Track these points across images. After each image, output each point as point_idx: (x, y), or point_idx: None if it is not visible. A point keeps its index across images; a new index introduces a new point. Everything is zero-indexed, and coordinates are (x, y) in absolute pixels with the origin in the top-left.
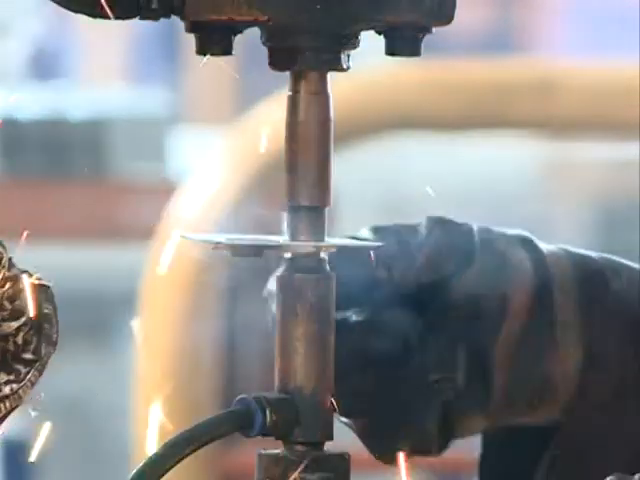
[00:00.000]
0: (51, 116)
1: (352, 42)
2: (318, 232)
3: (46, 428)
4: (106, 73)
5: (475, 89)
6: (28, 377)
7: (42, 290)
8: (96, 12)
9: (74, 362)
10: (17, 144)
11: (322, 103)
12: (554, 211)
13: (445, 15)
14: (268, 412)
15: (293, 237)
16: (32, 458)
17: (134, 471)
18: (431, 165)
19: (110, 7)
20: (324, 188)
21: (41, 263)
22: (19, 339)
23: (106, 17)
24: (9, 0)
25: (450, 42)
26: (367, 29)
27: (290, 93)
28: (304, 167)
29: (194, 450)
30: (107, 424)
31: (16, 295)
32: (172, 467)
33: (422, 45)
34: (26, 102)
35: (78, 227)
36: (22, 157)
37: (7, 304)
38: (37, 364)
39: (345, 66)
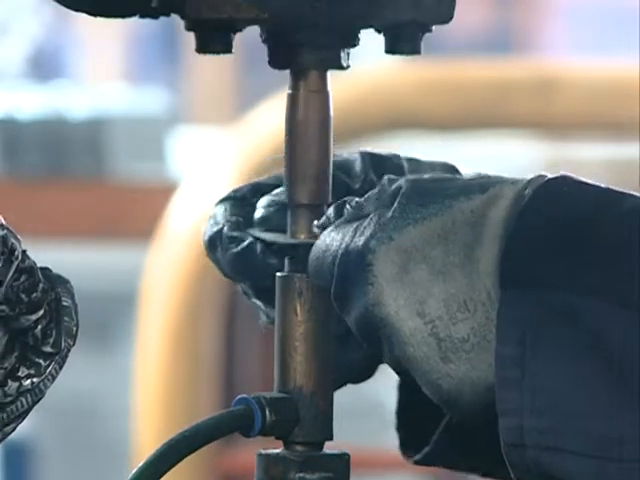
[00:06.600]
0: (51, 116)
1: (352, 40)
2: None
3: (47, 427)
4: (106, 73)
5: (475, 89)
6: (48, 370)
7: (61, 283)
8: (96, 10)
9: (73, 362)
10: (17, 144)
11: (322, 101)
12: None
13: (445, 13)
14: (268, 412)
15: (293, 235)
16: (34, 457)
17: (134, 471)
18: None
19: (110, 5)
20: (324, 186)
21: (41, 263)
22: (38, 332)
23: (106, 15)
24: (9, 0)
25: (450, 42)
26: (367, 27)
27: (290, 91)
28: (304, 165)
29: (194, 450)
30: (108, 424)
31: (33, 287)
32: (172, 467)
33: (422, 44)
34: (26, 102)
35: (78, 227)
36: (22, 157)
37: (24, 297)
38: (57, 357)
39: (345, 64)
